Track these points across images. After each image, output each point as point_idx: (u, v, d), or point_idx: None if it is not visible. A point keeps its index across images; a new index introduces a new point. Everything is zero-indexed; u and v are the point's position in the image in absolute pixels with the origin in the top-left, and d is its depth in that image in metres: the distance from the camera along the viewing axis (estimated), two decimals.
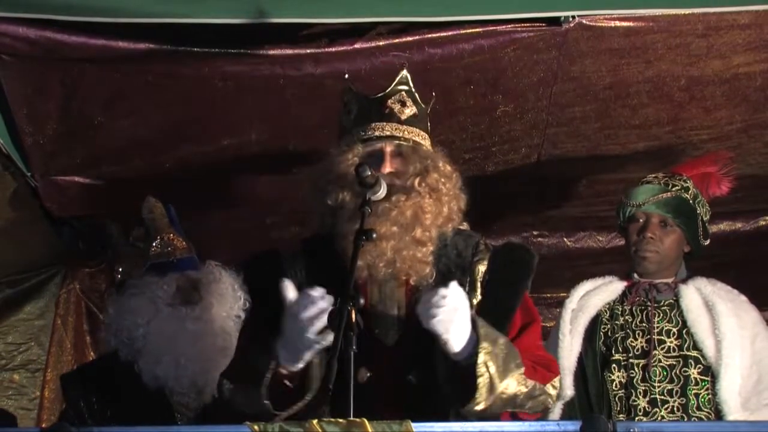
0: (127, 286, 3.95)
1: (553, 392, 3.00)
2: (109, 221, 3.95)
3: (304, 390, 2.81)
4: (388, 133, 3.05)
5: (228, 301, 3.90)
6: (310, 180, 3.14)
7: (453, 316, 2.76)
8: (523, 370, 2.87)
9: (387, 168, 3.01)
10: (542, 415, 3.10)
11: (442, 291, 2.77)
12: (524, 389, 2.88)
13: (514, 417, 2.98)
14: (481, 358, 2.77)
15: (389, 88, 3.11)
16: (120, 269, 3.97)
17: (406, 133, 3.08)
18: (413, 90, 3.14)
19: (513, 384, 2.85)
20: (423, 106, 3.15)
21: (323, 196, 3.06)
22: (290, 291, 2.78)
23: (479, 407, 2.79)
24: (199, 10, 3.57)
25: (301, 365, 2.78)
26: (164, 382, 3.78)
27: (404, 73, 3.14)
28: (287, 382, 2.80)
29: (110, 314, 3.93)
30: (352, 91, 3.16)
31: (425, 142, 3.12)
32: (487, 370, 2.78)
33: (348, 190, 3.00)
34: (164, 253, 3.95)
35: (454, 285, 2.78)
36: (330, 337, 2.66)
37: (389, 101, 3.09)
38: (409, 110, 3.10)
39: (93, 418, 3.77)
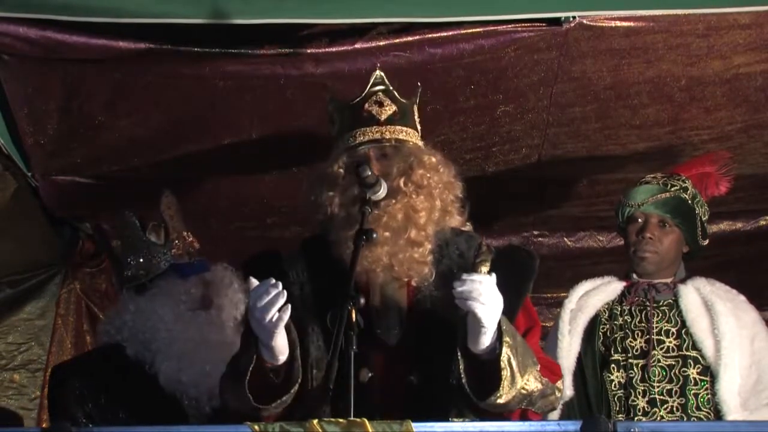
0: (147, 287, 3.89)
1: (558, 394, 3.01)
2: (128, 211, 3.92)
3: (289, 384, 2.81)
4: (369, 137, 3.06)
5: (239, 306, 3.88)
6: (304, 191, 3.15)
7: (495, 308, 2.75)
8: (539, 367, 2.89)
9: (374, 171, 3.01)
10: (543, 415, 3.10)
11: (491, 279, 2.74)
12: (540, 386, 2.89)
13: (524, 416, 2.97)
14: (505, 351, 2.77)
15: (365, 92, 3.11)
16: (132, 263, 3.90)
17: (387, 133, 3.07)
18: (390, 88, 3.13)
19: (532, 380, 2.85)
20: (404, 101, 3.14)
21: (314, 208, 3.06)
22: (254, 284, 2.80)
23: (501, 401, 2.78)
24: (199, 10, 3.57)
25: (281, 358, 2.79)
26: (186, 387, 3.76)
27: (378, 73, 3.14)
28: (273, 377, 2.82)
29: (130, 311, 3.86)
30: (333, 100, 3.17)
31: (410, 137, 3.11)
32: (509, 365, 2.78)
33: (337, 200, 3.01)
34: (185, 254, 3.92)
35: (492, 278, 2.77)
36: (286, 316, 2.70)
37: (366, 105, 3.09)
38: (388, 109, 3.10)
39: (101, 414, 3.73)
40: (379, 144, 3.05)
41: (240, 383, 2.81)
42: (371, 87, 3.12)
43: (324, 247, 3.06)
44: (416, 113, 3.20)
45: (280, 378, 2.83)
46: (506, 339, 2.78)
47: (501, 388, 2.77)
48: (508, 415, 2.91)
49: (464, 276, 2.77)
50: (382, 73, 3.15)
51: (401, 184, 3.00)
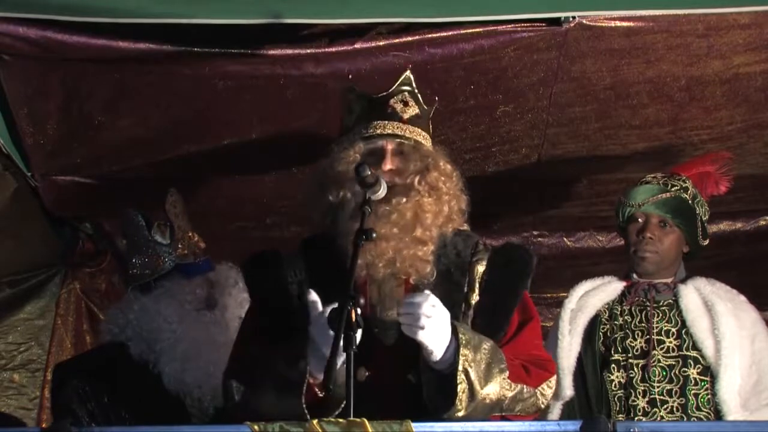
0: (152, 286, 3.88)
1: (548, 392, 2.99)
2: (133, 210, 3.92)
3: (333, 398, 2.78)
4: (389, 131, 3.07)
5: (243, 305, 3.87)
6: (311, 177, 3.14)
7: (438, 327, 2.77)
8: (507, 374, 2.87)
9: (387, 165, 3.02)
10: (539, 415, 3.09)
11: (430, 301, 2.76)
12: (509, 393, 2.87)
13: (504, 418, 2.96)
14: (461, 366, 2.78)
15: (392, 88, 3.12)
16: (137, 262, 3.89)
17: (408, 132, 3.08)
18: (416, 91, 3.15)
19: (495, 389, 2.83)
20: (425, 107, 3.16)
21: (324, 193, 3.06)
22: (315, 299, 2.80)
23: (459, 414, 2.78)
24: (199, 10, 3.57)
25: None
26: (190, 388, 3.75)
27: (408, 74, 3.16)
28: (317, 390, 2.80)
29: (134, 311, 3.85)
30: (355, 91, 3.17)
31: (427, 142, 3.13)
32: (467, 378, 2.78)
33: (349, 187, 3.01)
34: (191, 254, 3.91)
35: (432, 295, 2.79)
36: (357, 339, 2.67)
37: (392, 101, 3.11)
38: (412, 110, 3.11)
39: (103, 413, 3.73)
40: (399, 139, 3.06)
41: (294, 396, 2.77)
42: (399, 85, 3.13)
43: (324, 246, 3.06)
44: (431, 124, 3.21)
45: (323, 391, 2.78)
46: (464, 352, 2.79)
47: (458, 402, 2.77)
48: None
49: (405, 300, 2.81)
50: (411, 75, 3.16)
51: (415, 182, 3.01)
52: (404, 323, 2.78)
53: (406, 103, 3.12)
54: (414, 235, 2.98)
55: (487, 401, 2.82)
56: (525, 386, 2.91)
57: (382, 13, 3.66)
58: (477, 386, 2.79)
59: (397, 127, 3.08)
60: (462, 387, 2.77)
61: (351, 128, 3.14)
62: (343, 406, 2.71)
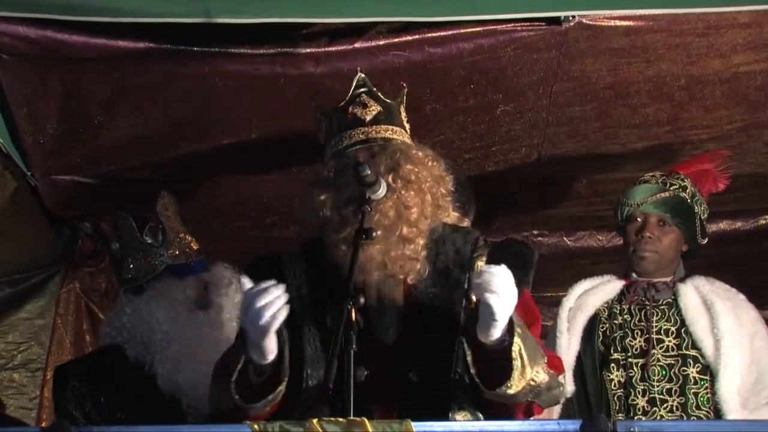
0: (144, 288, 3.87)
1: (562, 389, 3.00)
2: (125, 212, 3.92)
3: (276, 383, 2.81)
4: (355, 139, 3.05)
5: (238, 305, 3.85)
6: (299, 197, 3.15)
7: (510, 300, 2.74)
8: (546, 359, 2.87)
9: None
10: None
11: (508, 272, 2.73)
12: (547, 379, 2.87)
13: (529, 408, 2.95)
14: (516, 342, 2.75)
15: (348, 96, 3.10)
16: (131, 265, 3.89)
17: (373, 133, 3.06)
18: (373, 89, 3.12)
19: (541, 372, 2.83)
20: (389, 101, 3.13)
21: (309, 213, 3.06)
22: (247, 285, 2.79)
23: (510, 391, 2.77)
24: (198, 9, 3.57)
25: (270, 357, 2.76)
26: (184, 389, 3.75)
27: (360, 75, 3.13)
28: (255, 377, 2.81)
29: (127, 314, 3.85)
30: (317, 106, 3.17)
31: (397, 135, 3.09)
32: (520, 356, 2.76)
33: (329, 203, 3.00)
34: (182, 255, 3.91)
35: (507, 269, 2.76)
36: (282, 317, 2.69)
37: (350, 108, 3.09)
38: (373, 109, 3.09)
39: (100, 414, 3.73)
40: (365, 144, 3.04)
41: (226, 382, 2.81)
42: (354, 90, 3.11)
43: (322, 250, 3.06)
44: (403, 113, 3.18)
45: (264, 377, 2.81)
46: (517, 330, 2.77)
47: (511, 378, 2.75)
48: (513, 410, 2.89)
49: (483, 268, 2.79)
50: (364, 75, 3.14)
51: (390, 180, 2.98)
52: (478, 288, 2.73)
53: (365, 105, 3.09)
54: (400, 234, 2.97)
55: (532, 383, 2.81)
56: (556, 375, 2.92)
57: (382, 12, 3.66)
58: (527, 366, 2.77)
59: (362, 132, 3.06)
60: (516, 363, 2.75)
61: (324, 145, 3.14)
62: (281, 389, 2.77)
